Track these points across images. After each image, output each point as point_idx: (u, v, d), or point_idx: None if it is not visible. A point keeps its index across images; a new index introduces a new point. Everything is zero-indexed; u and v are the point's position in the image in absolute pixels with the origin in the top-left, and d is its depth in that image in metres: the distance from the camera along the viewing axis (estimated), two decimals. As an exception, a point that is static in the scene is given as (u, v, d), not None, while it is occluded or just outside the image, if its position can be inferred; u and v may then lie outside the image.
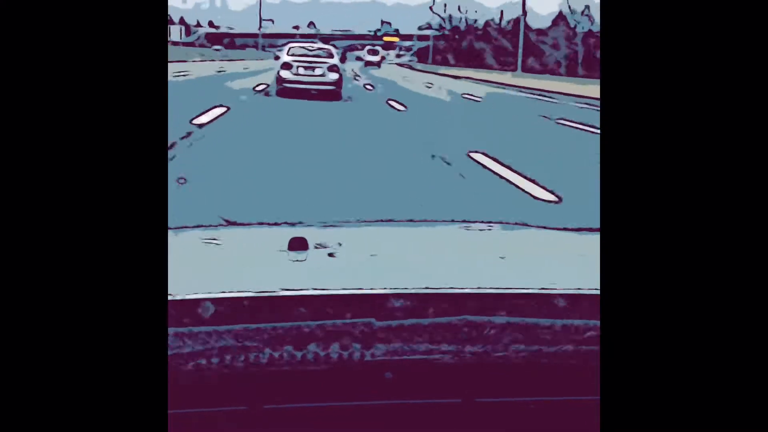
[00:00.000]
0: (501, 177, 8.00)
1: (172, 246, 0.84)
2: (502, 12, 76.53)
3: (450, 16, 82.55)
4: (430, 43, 79.56)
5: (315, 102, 17.42)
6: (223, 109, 13.66)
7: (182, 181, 6.04)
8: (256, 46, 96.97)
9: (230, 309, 0.87)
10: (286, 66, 18.46)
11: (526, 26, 75.11)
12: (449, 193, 7.04)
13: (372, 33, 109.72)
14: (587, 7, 61.07)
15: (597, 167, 0.85)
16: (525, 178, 7.76)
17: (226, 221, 1.92)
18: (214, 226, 1.54)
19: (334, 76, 18.55)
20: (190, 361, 0.81)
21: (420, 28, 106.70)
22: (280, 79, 18.43)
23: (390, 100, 19.49)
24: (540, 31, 68.60)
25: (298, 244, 1.21)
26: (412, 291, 0.93)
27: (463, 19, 78.80)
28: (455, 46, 77.03)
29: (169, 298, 0.81)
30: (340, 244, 1.35)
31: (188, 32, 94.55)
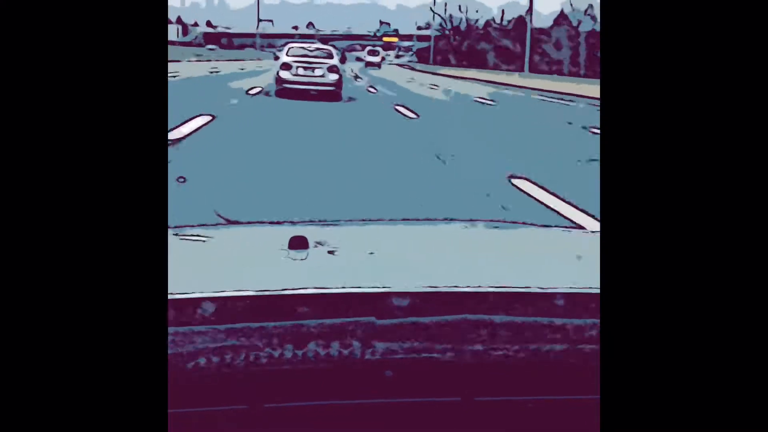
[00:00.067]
0: (551, 208, 6.38)
1: (172, 246, 0.84)
2: (503, 11, 74.59)
3: (450, 16, 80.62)
4: (431, 43, 77.61)
5: (315, 109, 15.76)
6: (207, 119, 11.47)
7: (182, 180, 5.80)
8: (254, 46, 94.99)
9: (230, 309, 0.87)
10: (286, 66, 18.21)
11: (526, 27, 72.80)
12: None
13: (371, 34, 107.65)
14: (590, 6, 59.05)
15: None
16: (587, 214, 6.03)
17: (227, 221, 1.89)
18: (214, 226, 1.51)
19: (333, 76, 18.29)
20: (190, 361, 0.81)
21: (419, 28, 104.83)
22: (279, 80, 18.20)
23: (397, 105, 17.58)
24: (542, 31, 66.81)
25: (298, 243, 1.20)
26: (413, 290, 0.93)
27: (464, 19, 76.78)
28: (456, 46, 75.20)
29: (169, 297, 0.81)
30: (339, 244, 1.33)
31: (185, 32, 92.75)
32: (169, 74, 0.98)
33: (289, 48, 19.48)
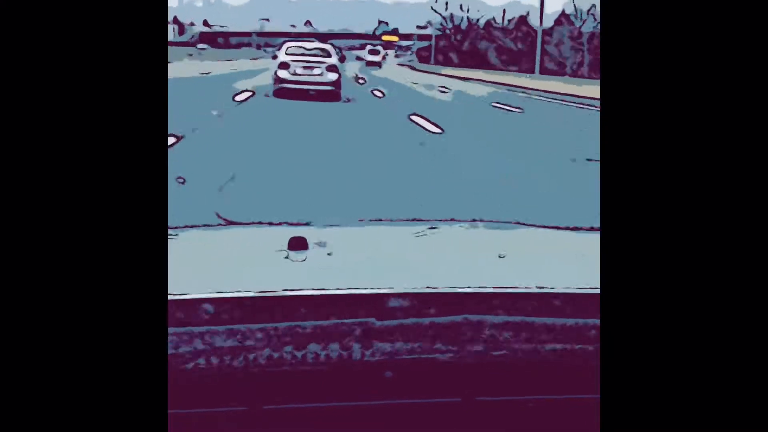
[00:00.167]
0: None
1: (172, 246, 0.85)
2: (504, 11, 71.76)
3: (451, 15, 77.74)
4: (432, 42, 74.79)
5: (313, 123, 13.04)
6: (171, 141, 8.36)
7: (181, 180, 5.13)
8: (251, 45, 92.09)
9: (230, 309, 0.87)
10: (284, 65, 17.79)
11: (530, 26, 70.26)
12: None
13: (370, 32, 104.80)
14: (593, 5, 56.31)
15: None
16: None
17: (227, 221, 1.85)
18: (214, 227, 1.51)
19: (332, 75, 17.90)
20: (190, 361, 0.81)
21: (418, 27, 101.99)
22: (277, 79, 17.81)
23: (413, 115, 14.57)
24: (544, 31, 63.81)
25: (298, 244, 1.19)
26: (412, 291, 0.92)
27: (465, 18, 73.89)
28: (457, 45, 72.23)
29: (169, 298, 0.81)
30: (339, 244, 1.33)
31: (181, 31, 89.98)
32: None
33: (288, 47, 18.97)
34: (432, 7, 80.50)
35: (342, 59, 23.57)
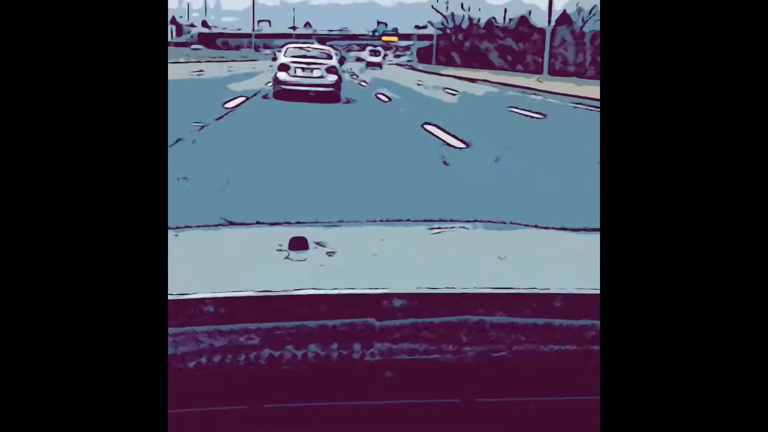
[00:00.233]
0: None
1: (172, 246, 0.85)
2: (505, 10, 70.17)
3: (452, 14, 76.03)
4: (433, 42, 73.03)
5: (314, 134, 10.91)
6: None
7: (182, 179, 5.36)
8: (250, 47, 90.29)
9: (230, 309, 0.86)
10: (284, 67, 17.55)
11: (532, 25, 68.49)
12: None
13: (370, 33, 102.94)
14: (595, 6, 54.70)
15: None
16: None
17: (227, 221, 1.76)
18: (214, 226, 1.49)
19: (332, 77, 17.71)
20: (190, 361, 0.81)
21: (417, 27, 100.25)
22: (277, 81, 17.63)
23: (427, 124, 12.61)
24: (545, 30, 62.14)
25: (298, 244, 1.19)
26: (413, 291, 0.92)
27: (466, 17, 72.14)
28: (459, 45, 70.41)
29: (169, 298, 0.81)
30: (340, 244, 1.32)
31: (180, 32, 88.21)
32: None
33: (287, 48, 18.76)
34: (432, 6, 79.11)
35: (342, 61, 23.03)
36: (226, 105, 14.81)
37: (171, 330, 0.80)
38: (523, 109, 18.17)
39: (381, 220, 1.74)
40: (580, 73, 44.32)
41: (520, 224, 1.63)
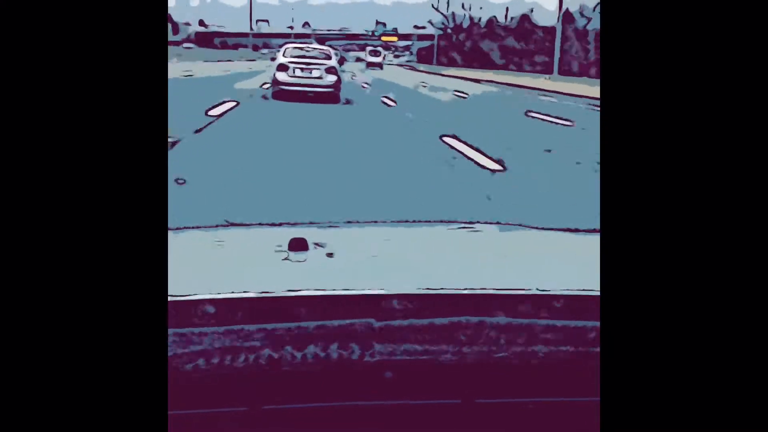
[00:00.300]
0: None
1: (172, 246, 0.84)
2: (507, 9, 68.57)
3: (453, 14, 74.34)
4: (434, 42, 71.24)
5: (319, 156, 8.47)
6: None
7: (181, 181, 5.00)
8: (247, 46, 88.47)
9: (230, 309, 0.86)
10: (282, 68, 17.24)
11: (534, 24, 66.64)
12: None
13: (369, 33, 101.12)
14: (597, 4, 52.92)
15: None
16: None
17: (227, 221, 1.74)
18: (214, 227, 1.48)
19: (331, 78, 17.40)
20: (190, 362, 0.81)
21: (416, 27, 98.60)
22: (275, 81, 17.33)
23: (445, 136, 10.61)
24: (548, 29, 60.61)
25: (298, 245, 1.18)
26: (412, 292, 0.92)
27: (467, 17, 70.41)
28: (460, 45, 68.65)
29: (169, 298, 0.80)
30: (339, 245, 1.31)
31: (176, 30, 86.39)
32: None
33: (286, 49, 18.36)
34: (433, 5, 77.66)
35: (342, 61, 21.44)
36: (210, 113, 12.47)
37: (171, 331, 0.80)
38: (546, 114, 16.10)
39: (381, 221, 1.69)
40: (587, 73, 42.18)
41: (520, 225, 1.61)
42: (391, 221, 1.71)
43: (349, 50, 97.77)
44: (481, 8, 71.95)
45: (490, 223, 1.62)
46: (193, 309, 0.84)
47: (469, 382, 0.86)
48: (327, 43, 63.43)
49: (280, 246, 1.17)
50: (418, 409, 0.85)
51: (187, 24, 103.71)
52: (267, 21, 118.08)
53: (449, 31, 71.98)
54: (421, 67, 68.71)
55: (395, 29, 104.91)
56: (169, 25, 72.52)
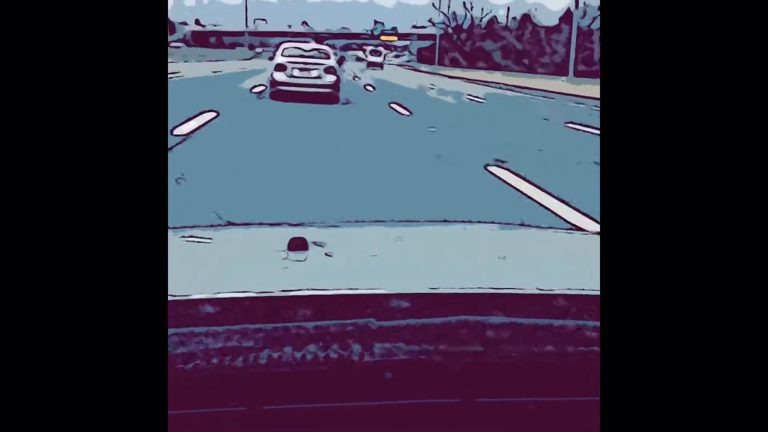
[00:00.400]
0: None
1: (172, 246, 0.85)
2: (509, 8, 66.18)
3: (454, 14, 71.65)
4: (436, 42, 68.51)
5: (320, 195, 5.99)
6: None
7: (182, 181, 4.88)
8: (244, 45, 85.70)
9: (230, 309, 0.86)
10: (280, 67, 16.68)
11: (535, 24, 63.64)
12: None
13: (368, 32, 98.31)
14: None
15: None
16: None
17: (226, 221, 1.67)
18: (214, 227, 1.47)
19: (330, 78, 16.85)
20: (190, 362, 0.81)
21: (414, 27, 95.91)
22: (273, 82, 16.82)
23: (491, 165, 8.02)
24: (551, 29, 57.92)
25: (297, 245, 1.18)
26: (412, 291, 0.92)
27: (469, 16, 67.78)
28: (462, 45, 65.92)
29: (169, 298, 0.81)
30: (339, 245, 1.31)
31: (172, 30, 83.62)
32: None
33: (284, 48, 18.05)
34: (433, 4, 75.25)
35: (341, 61, 21.01)
36: (177, 131, 9.40)
37: (171, 331, 0.80)
38: (588, 126, 13.23)
39: (381, 221, 1.62)
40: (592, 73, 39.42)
41: (521, 224, 1.60)
42: (391, 221, 1.66)
43: (347, 49, 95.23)
44: (482, 8, 69.34)
45: (490, 223, 1.61)
46: (193, 309, 0.84)
47: (469, 381, 0.86)
48: (325, 42, 60.69)
49: (280, 246, 1.16)
50: (418, 409, 0.85)
51: (184, 23, 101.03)
52: (265, 20, 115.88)
53: (450, 30, 69.26)
54: (423, 67, 66.73)
55: (395, 28, 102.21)
56: (165, 25, 69.73)
